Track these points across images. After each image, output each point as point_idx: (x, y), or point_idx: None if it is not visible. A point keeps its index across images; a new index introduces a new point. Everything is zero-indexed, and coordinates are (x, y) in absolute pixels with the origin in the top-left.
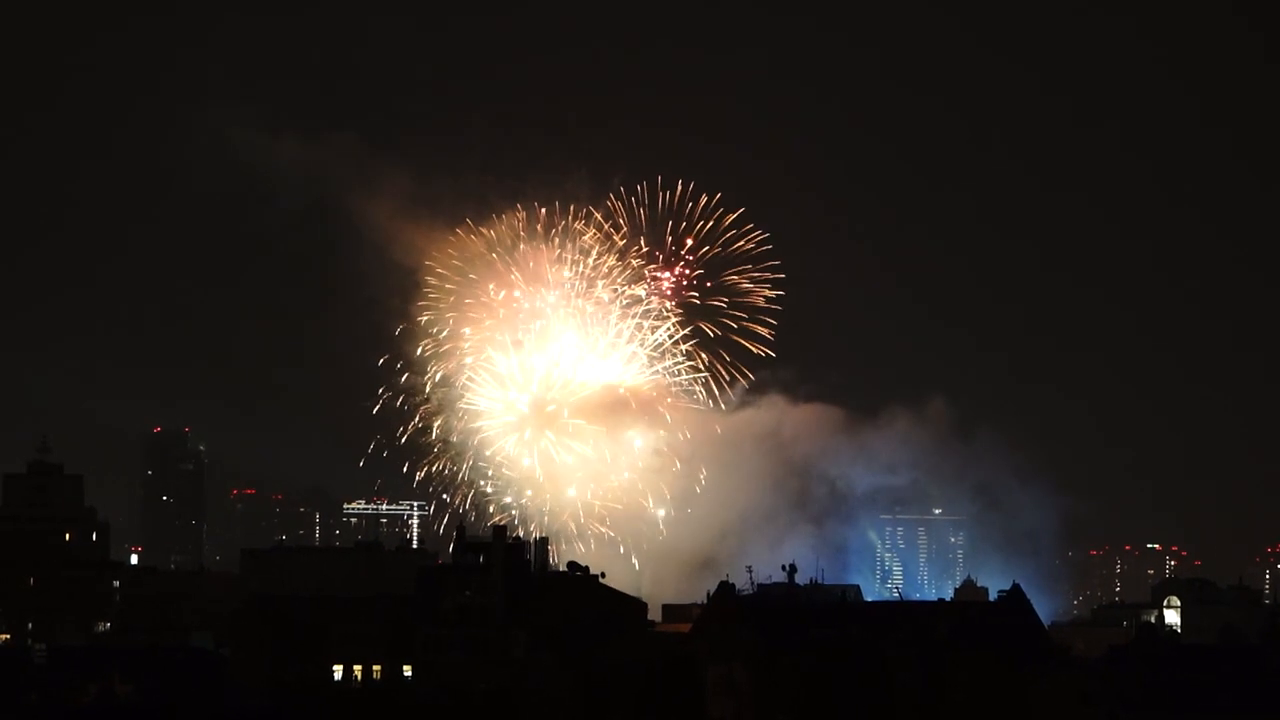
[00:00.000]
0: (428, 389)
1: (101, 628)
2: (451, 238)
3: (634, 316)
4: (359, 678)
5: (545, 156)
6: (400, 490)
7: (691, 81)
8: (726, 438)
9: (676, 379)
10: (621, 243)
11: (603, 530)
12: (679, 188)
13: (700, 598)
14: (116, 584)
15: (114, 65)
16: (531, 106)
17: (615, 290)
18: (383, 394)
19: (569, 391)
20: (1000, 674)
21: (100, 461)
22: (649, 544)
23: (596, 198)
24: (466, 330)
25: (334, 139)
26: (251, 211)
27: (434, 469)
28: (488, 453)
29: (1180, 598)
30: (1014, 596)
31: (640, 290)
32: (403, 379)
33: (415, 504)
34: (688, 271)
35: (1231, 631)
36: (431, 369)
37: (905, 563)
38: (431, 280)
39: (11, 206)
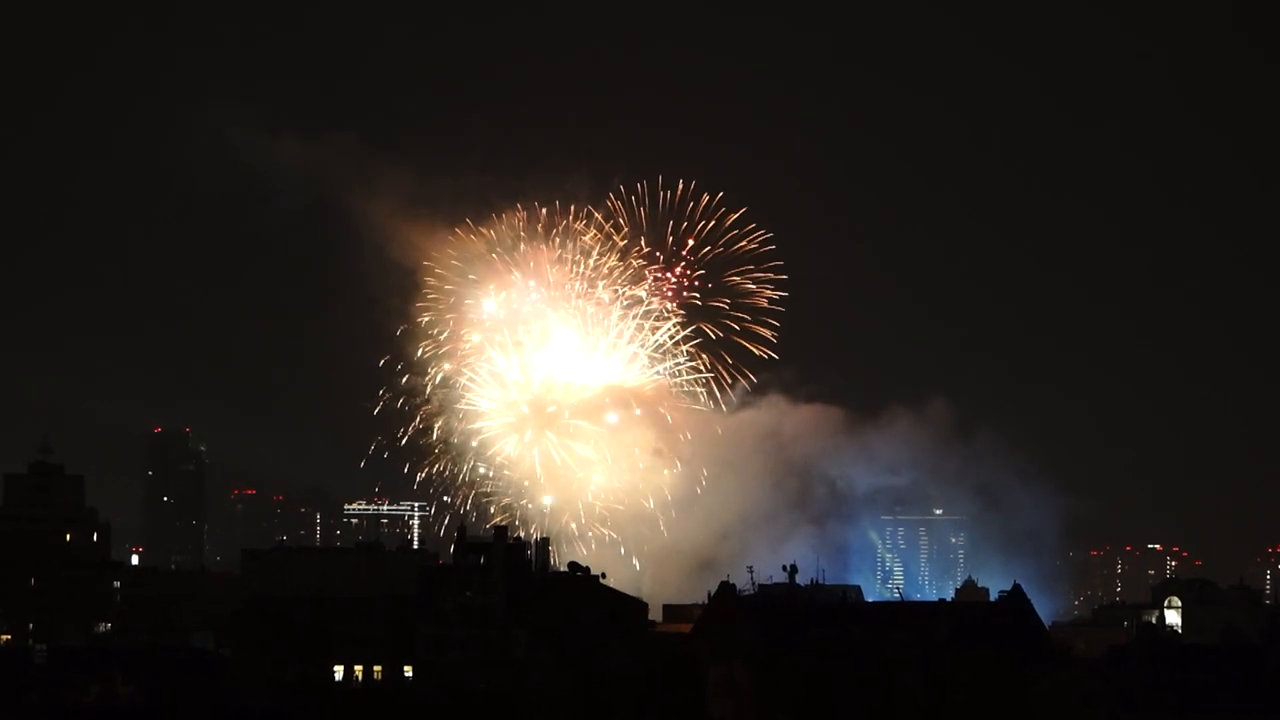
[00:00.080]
0: (428, 390)
1: (102, 628)
2: (451, 238)
3: (635, 317)
4: (360, 678)
5: (545, 156)
6: (401, 491)
7: (691, 81)
8: (727, 438)
9: (677, 379)
10: (622, 243)
11: (603, 531)
12: (679, 187)
13: (701, 598)
14: (117, 584)
15: (114, 65)
16: (531, 106)
17: (616, 291)
18: (383, 395)
19: (570, 392)
20: (1001, 674)
21: (101, 462)
22: (650, 544)
23: (596, 198)
24: (475, 337)
25: (334, 139)
26: (251, 211)
27: (435, 470)
28: (488, 453)
29: (1181, 598)
30: (1015, 597)
31: (641, 291)
32: (403, 380)
33: (416, 504)
34: (689, 272)
35: (1232, 632)
36: (432, 370)
37: (906, 563)
38: (431, 280)
39: (11, 206)
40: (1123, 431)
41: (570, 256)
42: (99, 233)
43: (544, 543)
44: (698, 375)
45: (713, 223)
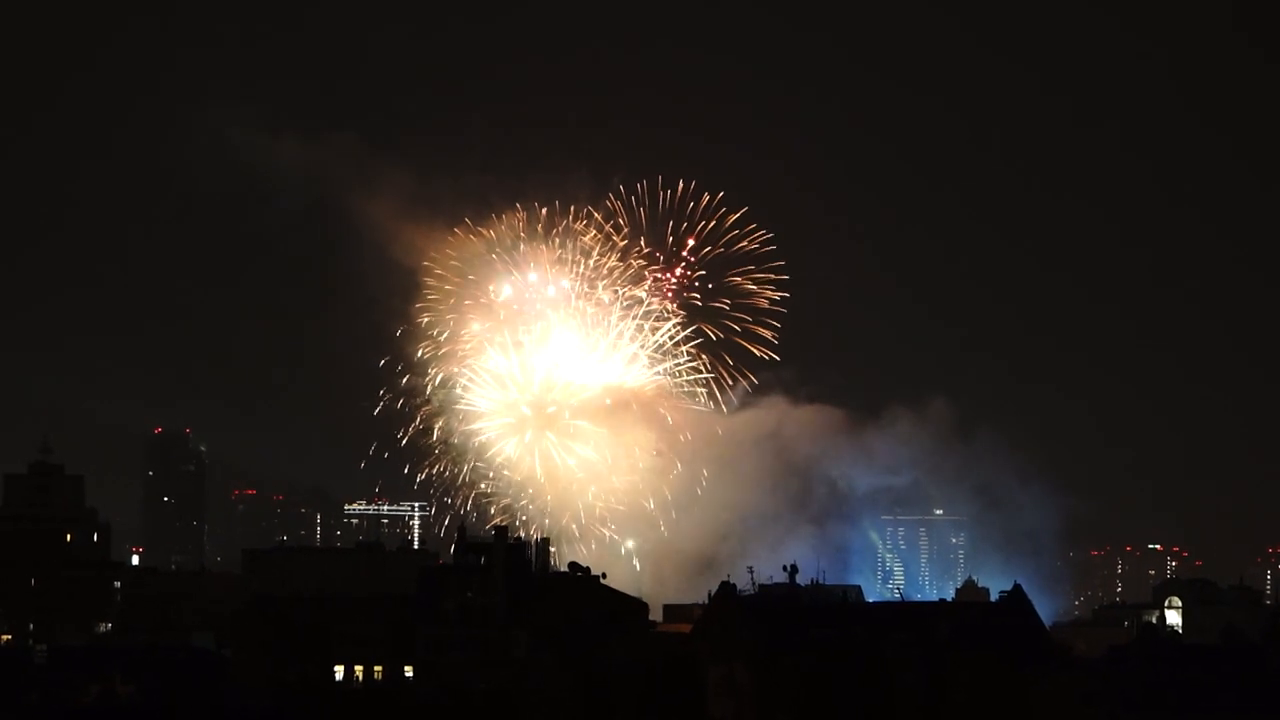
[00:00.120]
0: (428, 391)
1: (102, 628)
2: (451, 238)
3: (635, 318)
4: (360, 678)
5: (545, 156)
6: (401, 491)
7: (691, 81)
8: (728, 438)
9: (678, 380)
10: (622, 243)
11: (604, 531)
12: (679, 187)
13: (701, 598)
14: (117, 584)
15: (114, 65)
16: (531, 106)
17: (616, 292)
18: (383, 395)
19: (570, 393)
20: (1001, 674)
21: (101, 462)
22: (650, 545)
23: (596, 198)
24: (474, 327)
25: (334, 139)
26: (251, 211)
27: (435, 470)
28: (488, 454)
29: (1181, 598)
30: (1015, 597)
31: (641, 292)
32: (403, 381)
33: (416, 505)
34: (689, 273)
35: (1233, 632)
36: (432, 371)
37: (906, 563)
38: (431, 281)
39: (11, 206)
40: (1123, 431)
41: (570, 257)
42: (99, 233)
43: (544, 543)
44: (698, 376)
45: (713, 222)
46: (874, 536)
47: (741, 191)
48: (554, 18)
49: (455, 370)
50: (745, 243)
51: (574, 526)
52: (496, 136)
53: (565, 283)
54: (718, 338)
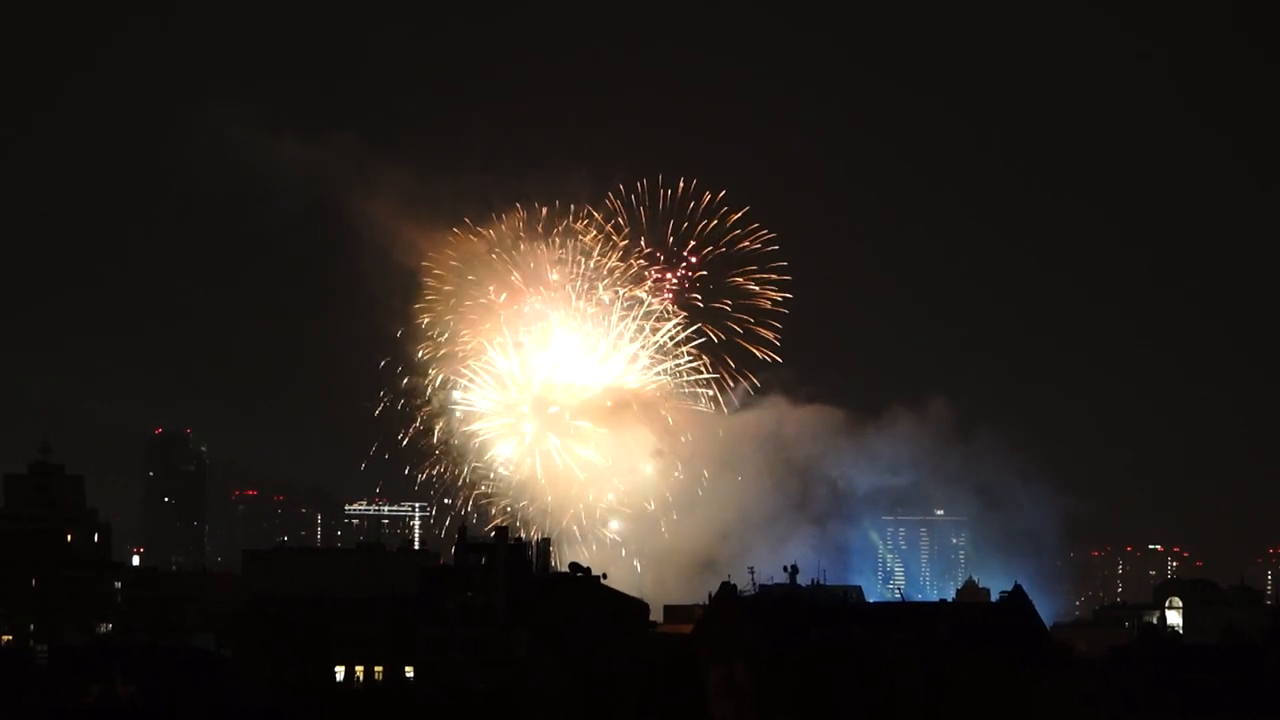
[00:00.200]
0: (428, 391)
1: (103, 628)
2: (451, 238)
3: (635, 318)
4: (361, 678)
5: (545, 156)
6: (402, 491)
7: (691, 81)
8: (728, 439)
9: (678, 380)
10: (623, 243)
11: (604, 531)
12: (680, 186)
13: (702, 598)
14: (118, 585)
15: (114, 65)
16: (531, 106)
17: (616, 292)
18: (384, 396)
19: (571, 393)
20: (1002, 675)
21: (101, 462)
22: (651, 545)
23: (597, 198)
24: (481, 327)
25: (334, 139)
26: (251, 211)
27: (436, 471)
28: (489, 455)
29: (1182, 598)
30: (1015, 597)
31: (642, 292)
32: (404, 382)
33: (417, 505)
34: (690, 273)
35: (1233, 632)
36: (432, 372)
37: (907, 563)
38: (431, 281)
39: (11, 206)
40: (1123, 431)
41: (571, 257)
42: (99, 233)
43: (545, 543)
44: (699, 376)
45: (714, 222)
46: (874, 537)
47: (742, 191)
48: (554, 18)
49: (455, 371)
50: (747, 242)
51: (575, 527)
52: (496, 136)
53: (567, 285)
54: (719, 339)
